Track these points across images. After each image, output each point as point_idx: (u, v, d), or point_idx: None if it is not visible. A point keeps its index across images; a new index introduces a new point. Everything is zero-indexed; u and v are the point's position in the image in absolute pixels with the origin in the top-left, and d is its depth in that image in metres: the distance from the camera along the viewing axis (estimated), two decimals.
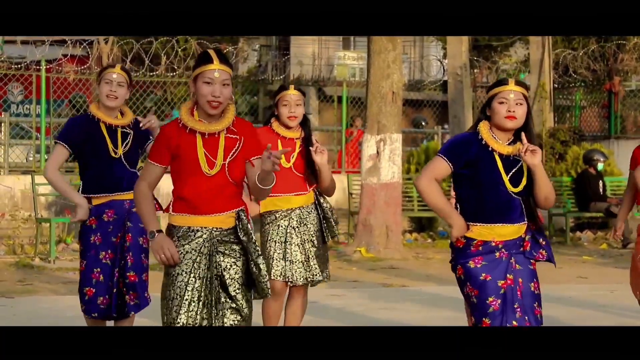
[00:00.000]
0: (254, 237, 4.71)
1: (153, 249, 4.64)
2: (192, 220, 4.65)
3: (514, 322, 4.93)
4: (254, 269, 4.66)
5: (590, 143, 17.67)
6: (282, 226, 6.39)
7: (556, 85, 20.08)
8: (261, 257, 4.70)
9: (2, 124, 16.34)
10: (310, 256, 6.40)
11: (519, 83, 5.03)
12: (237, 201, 4.72)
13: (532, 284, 5.03)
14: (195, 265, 4.63)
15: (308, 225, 6.42)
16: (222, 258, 4.65)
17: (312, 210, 6.46)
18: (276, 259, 6.37)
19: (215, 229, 4.66)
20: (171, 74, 18.49)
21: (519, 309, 4.95)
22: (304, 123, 6.47)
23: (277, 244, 6.38)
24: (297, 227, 6.40)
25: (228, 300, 4.63)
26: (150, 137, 6.22)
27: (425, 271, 12.17)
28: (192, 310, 4.62)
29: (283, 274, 6.37)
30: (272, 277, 6.34)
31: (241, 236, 4.66)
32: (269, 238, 6.39)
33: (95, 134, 6.10)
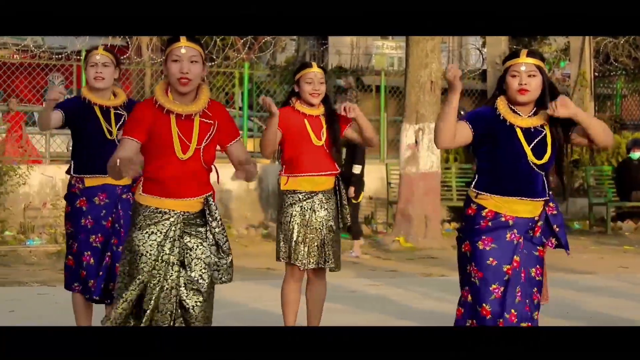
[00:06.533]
0: (221, 222, 4.70)
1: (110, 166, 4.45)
2: (162, 203, 4.61)
3: (513, 311, 4.83)
4: (221, 253, 4.66)
5: (632, 132, 17.49)
6: (304, 208, 6.40)
7: (597, 74, 19.90)
8: (227, 242, 4.69)
9: None
10: (326, 242, 6.42)
11: (531, 53, 4.90)
12: (207, 186, 4.70)
13: (534, 269, 4.93)
14: (159, 248, 4.60)
15: (328, 210, 6.43)
16: (188, 238, 4.65)
17: (332, 196, 6.48)
18: (297, 243, 6.39)
19: (183, 213, 4.64)
20: (210, 64, 18.55)
21: (519, 293, 4.86)
22: (325, 100, 6.51)
23: (300, 227, 6.39)
24: (318, 210, 6.41)
25: (189, 282, 4.63)
26: None
27: None
28: (150, 293, 4.60)
29: (301, 259, 6.39)
30: (292, 262, 6.39)
31: (209, 221, 4.65)
32: (291, 220, 6.40)
33: (90, 116, 6.06)
